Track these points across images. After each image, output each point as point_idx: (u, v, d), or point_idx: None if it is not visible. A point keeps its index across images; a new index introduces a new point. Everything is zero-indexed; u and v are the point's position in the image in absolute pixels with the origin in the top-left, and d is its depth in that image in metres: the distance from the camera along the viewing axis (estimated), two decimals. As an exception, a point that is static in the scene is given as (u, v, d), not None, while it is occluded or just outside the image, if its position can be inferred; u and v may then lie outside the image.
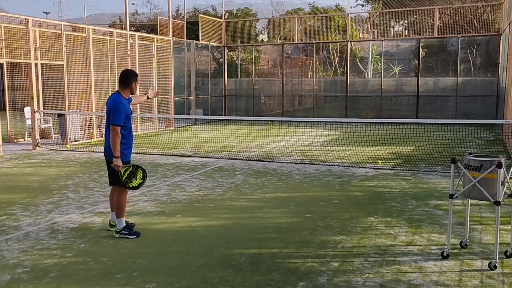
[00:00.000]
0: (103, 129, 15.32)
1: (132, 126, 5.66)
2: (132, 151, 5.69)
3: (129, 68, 16.04)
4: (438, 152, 11.45)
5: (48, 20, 16.30)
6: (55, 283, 4.28)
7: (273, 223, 6.07)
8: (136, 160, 10.63)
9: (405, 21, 27.18)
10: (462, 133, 15.17)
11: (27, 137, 14.58)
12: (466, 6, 23.01)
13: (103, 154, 5.67)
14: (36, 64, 13.27)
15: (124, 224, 5.52)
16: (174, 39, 19.13)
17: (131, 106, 5.71)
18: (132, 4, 53.22)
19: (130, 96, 5.68)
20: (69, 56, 14.01)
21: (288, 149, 12.66)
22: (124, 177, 5.35)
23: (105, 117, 5.64)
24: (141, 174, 5.49)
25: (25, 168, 10.12)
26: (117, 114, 5.29)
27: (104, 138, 5.75)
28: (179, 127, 18.71)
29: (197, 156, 11.48)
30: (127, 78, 5.52)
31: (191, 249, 5.11)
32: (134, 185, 5.43)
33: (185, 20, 24.01)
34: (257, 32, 30.48)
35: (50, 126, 14.94)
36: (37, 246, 5.23)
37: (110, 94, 16.83)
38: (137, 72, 16.68)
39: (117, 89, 5.62)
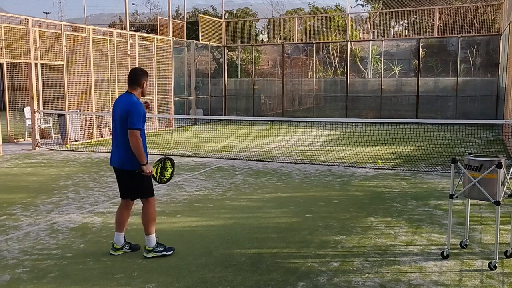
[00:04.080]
0: (103, 129, 15.32)
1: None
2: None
3: (130, 67, 16.06)
4: (438, 152, 11.45)
5: (48, 20, 16.30)
6: (55, 283, 4.28)
7: (273, 223, 6.07)
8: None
9: (405, 21, 27.19)
10: (462, 133, 15.17)
11: (27, 137, 14.57)
12: (466, 6, 23.01)
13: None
14: (36, 64, 13.27)
15: (156, 241, 4.90)
16: (174, 39, 19.13)
17: None
18: (132, 4, 53.24)
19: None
20: (69, 56, 14.01)
21: (288, 149, 12.66)
22: (158, 176, 4.96)
23: (112, 120, 4.94)
24: (170, 164, 5.05)
25: (25, 168, 10.12)
26: (136, 117, 4.68)
27: (111, 143, 5.07)
28: (179, 127, 18.70)
29: (197, 156, 11.48)
30: (139, 77, 4.90)
31: (191, 249, 5.11)
32: (168, 177, 5.05)
33: (185, 20, 24.02)
34: (257, 32, 30.49)
35: (50, 126, 14.94)
36: (37, 246, 5.23)
37: (110, 94, 16.49)
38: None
39: (127, 90, 4.94)
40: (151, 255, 4.84)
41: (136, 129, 4.67)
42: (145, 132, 4.97)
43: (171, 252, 4.90)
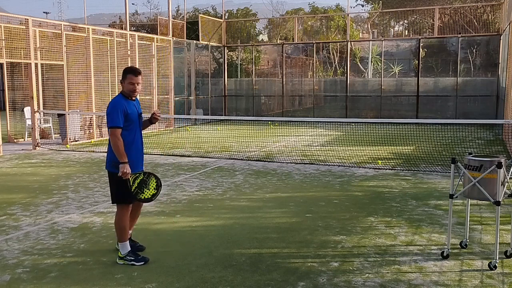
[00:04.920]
0: (104, 129, 15.32)
1: (140, 131, 4.87)
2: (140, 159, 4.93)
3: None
4: (438, 152, 11.45)
5: (48, 20, 16.30)
6: (55, 283, 4.28)
7: (273, 223, 6.07)
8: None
9: (405, 21, 27.19)
10: (462, 133, 15.17)
11: (27, 137, 14.58)
12: (466, 6, 23.02)
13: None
14: (36, 64, 13.27)
15: (129, 249, 4.74)
16: (174, 39, 19.13)
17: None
18: (132, 4, 53.25)
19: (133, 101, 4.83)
20: (69, 56, 14.02)
21: (288, 149, 12.66)
22: (134, 187, 4.61)
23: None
24: (155, 184, 4.66)
25: (25, 168, 10.12)
26: (113, 114, 4.59)
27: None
28: (179, 127, 18.71)
29: (197, 156, 11.48)
30: (122, 76, 4.81)
31: (191, 249, 5.11)
32: (146, 196, 4.65)
33: (185, 20, 24.02)
34: (257, 32, 30.49)
35: (50, 126, 14.94)
36: (37, 246, 5.22)
37: (110, 94, 16.54)
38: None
39: None
40: (121, 262, 4.70)
41: (114, 127, 4.57)
42: (136, 132, 4.80)
43: (142, 263, 4.66)
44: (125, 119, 4.66)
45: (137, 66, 16.12)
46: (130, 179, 4.60)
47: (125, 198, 4.72)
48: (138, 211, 5.12)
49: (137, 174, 4.66)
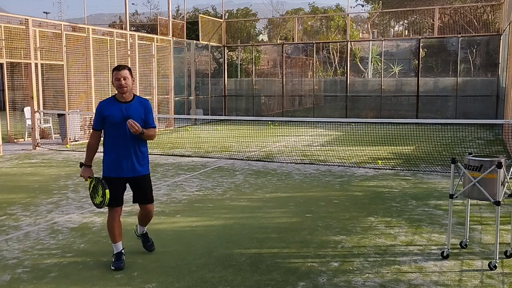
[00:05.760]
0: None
1: (125, 137, 4.54)
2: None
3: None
4: (438, 152, 11.45)
5: (48, 20, 16.31)
6: (55, 283, 4.28)
7: (273, 223, 6.07)
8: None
9: (405, 21, 27.19)
10: (462, 133, 15.17)
11: (27, 137, 14.57)
12: (466, 6, 23.01)
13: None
14: (36, 64, 13.27)
15: (119, 250, 4.65)
16: (174, 39, 19.13)
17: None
18: (132, 4, 53.24)
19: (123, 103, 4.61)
20: (69, 56, 14.02)
21: (288, 149, 12.66)
22: (90, 190, 4.66)
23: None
24: (101, 191, 4.54)
25: (25, 168, 10.12)
26: (94, 117, 4.70)
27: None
28: (179, 127, 18.70)
29: (197, 156, 11.48)
30: None
31: (191, 249, 5.11)
32: (96, 202, 4.60)
33: (185, 20, 24.02)
34: (257, 32, 30.49)
35: (50, 126, 14.94)
36: (37, 246, 5.23)
37: (110, 94, 16.62)
38: (137, 71, 16.39)
39: None
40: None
41: (92, 128, 4.71)
42: (117, 137, 4.56)
43: (112, 268, 4.53)
44: (104, 122, 4.58)
45: (137, 66, 16.16)
46: (88, 181, 4.68)
47: (111, 202, 4.57)
48: (146, 212, 4.85)
49: (92, 179, 4.64)
